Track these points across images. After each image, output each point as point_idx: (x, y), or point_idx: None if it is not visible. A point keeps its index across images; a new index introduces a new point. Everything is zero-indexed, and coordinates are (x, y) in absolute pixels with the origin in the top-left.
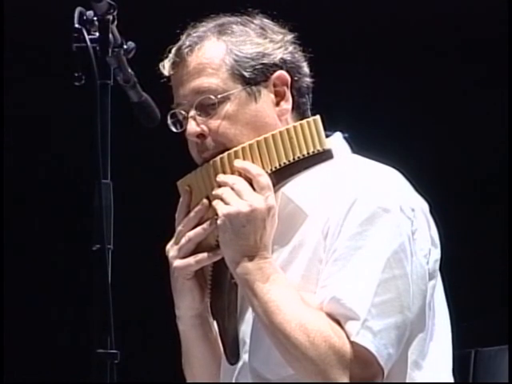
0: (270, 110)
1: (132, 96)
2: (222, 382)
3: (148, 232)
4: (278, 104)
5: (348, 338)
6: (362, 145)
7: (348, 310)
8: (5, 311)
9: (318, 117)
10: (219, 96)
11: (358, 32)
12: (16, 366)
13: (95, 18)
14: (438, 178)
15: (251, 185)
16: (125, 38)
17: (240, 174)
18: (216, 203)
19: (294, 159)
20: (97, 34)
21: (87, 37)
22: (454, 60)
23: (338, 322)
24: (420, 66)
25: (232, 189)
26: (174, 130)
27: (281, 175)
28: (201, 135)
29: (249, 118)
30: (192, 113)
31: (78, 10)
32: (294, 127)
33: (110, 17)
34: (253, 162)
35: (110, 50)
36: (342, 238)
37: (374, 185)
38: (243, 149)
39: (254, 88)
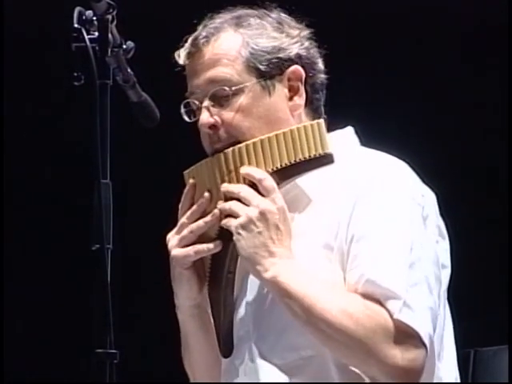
0: (284, 105)
1: (131, 96)
2: (222, 375)
3: (148, 232)
4: (291, 99)
5: (390, 315)
6: (369, 138)
7: (386, 289)
8: (4, 311)
9: (321, 120)
10: (233, 88)
11: (367, 27)
12: (16, 366)
13: (94, 18)
14: (439, 174)
15: (257, 190)
16: (124, 37)
17: (244, 179)
18: (226, 221)
19: (295, 161)
20: (96, 33)
21: (86, 37)
22: (459, 56)
23: (376, 302)
24: (424, 61)
25: (237, 199)
26: (187, 119)
27: (281, 175)
28: (213, 126)
29: (262, 112)
30: (206, 103)
31: (77, 9)
32: (298, 129)
33: (110, 16)
34: (256, 160)
35: (110, 50)
36: (357, 224)
37: (384, 173)
38: (247, 146)
39: (268, 82)
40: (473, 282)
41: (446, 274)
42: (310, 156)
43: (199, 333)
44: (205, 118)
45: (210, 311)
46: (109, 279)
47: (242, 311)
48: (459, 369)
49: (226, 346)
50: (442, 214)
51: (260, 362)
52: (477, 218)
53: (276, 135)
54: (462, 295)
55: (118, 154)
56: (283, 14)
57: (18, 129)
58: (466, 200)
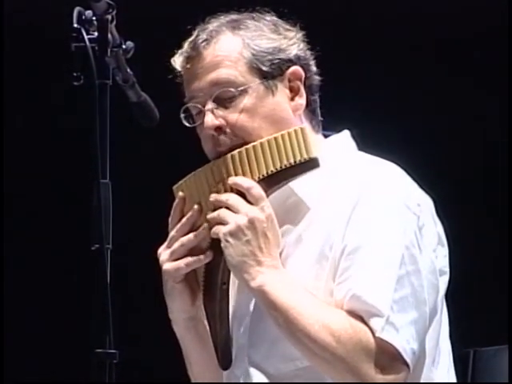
0: (286, 105)
1: (131, 96)
2: (224, 381)
3: (147, 232)
4: (292, 99)
5: (373, 333)
6: (368, 142)
7: (371, 306)
8: (4, 311)
9: (304, 125)
10: (238, 88)
11: (363, 30)
12: (16, 366)
13: (94, 18)
14: (437, 177)
15: (246, 199)
16: (124, 37)
17: (232, 189)
18: (215, 229)
19: (280, 167)
20: (96, 33)
21: (86, 36)
22: (459, 57)
23: (360, 319)
24: (423, 63)
25: (226, 207)
26: (186, 124)
27: (268, 183)
28: (218, 128)
29: (267, 112)
30: (209, 105)
31: (76, 9)
32: (282, 135)
33: (109, 16)
34: (242, 169)
35: (109, 50)
36: (351, 236)
37: (379, 182)
38: (232, 156)
39: (271, 82)
40: (473, 282)
41: (444, 281)
42: (295, 162)
43: (197, 344)
44: (209, 120)
45: (206, 322)
46: (109, 279)
47: (241, 321)
48: (459, 369)
49: (225, 358)
50: (440, 217)
51: (256, 372)
52: (476, 218)
53: (260, 143)
54: (462, 295)
55: (118, 154)
56: (276, 18)
57: (18, 129)
58: (466, 201)
